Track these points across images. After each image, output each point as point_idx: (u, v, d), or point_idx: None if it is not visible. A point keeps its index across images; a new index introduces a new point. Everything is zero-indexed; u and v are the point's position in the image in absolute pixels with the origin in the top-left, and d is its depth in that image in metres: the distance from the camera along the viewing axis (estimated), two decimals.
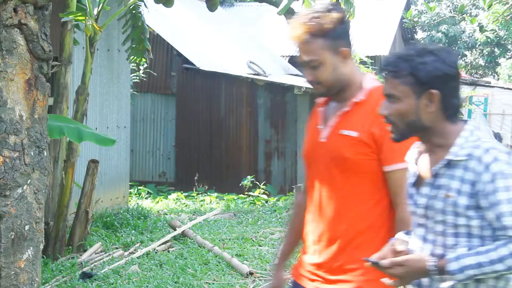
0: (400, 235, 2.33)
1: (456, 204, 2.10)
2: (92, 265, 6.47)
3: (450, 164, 2.14)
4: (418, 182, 2.25)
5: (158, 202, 11.62)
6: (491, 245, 2.03)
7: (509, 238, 2.01)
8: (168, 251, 7.25)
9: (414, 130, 2.19)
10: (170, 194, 12.47)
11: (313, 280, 2.65)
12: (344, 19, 2.58)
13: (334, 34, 2.54)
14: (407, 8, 21.78)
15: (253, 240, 7.97)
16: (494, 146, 2.10)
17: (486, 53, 32.27)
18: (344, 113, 2.61)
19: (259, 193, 11.52)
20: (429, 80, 2.12)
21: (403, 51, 2.19)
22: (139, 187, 12.50)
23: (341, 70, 2.59)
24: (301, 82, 12.82)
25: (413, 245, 2.22)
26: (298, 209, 2.86)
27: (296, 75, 15.81)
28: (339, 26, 2.56)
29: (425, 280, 2.15)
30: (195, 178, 12.94)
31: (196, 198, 11.82)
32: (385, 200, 2.58)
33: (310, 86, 2.66)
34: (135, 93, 13.03)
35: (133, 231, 8.32)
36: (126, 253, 7.02)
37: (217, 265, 6.61)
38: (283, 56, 18.94)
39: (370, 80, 2.66)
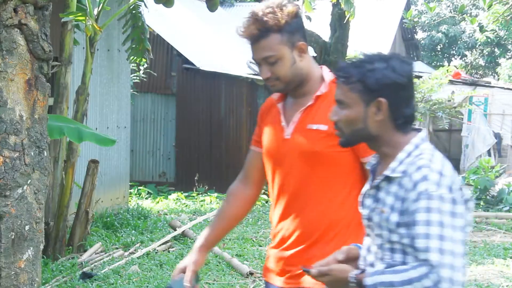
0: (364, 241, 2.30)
1: (389, 220, 2.06)
2: (92, 265, 6.47)
3: (389, 179, 2.10)
4: None
5: (158, 202, 11.62)
6: (408, 265, 1.98)
7: (421, 261, 1.95)
8: (169, 251, 7.25)
9: (360, 137, 2.15)
10: (170, 194, 12.47)
11: (281, 275, 2.64)
12: (299, 13, 2.55)
13: (290, 28, 2.52)
14: (407, 8, 21.78)
15: (253, 240, 7.97)
16: (427, 164, 2.03)
17: (486, 53, 32.26)
18: (307, 108, 2.58)
19: None
20: (377, 88, 2.07)
21: (356, 57, 2.16)
22: (139, 187, 12.50)
23: (299, 65, 2.56)
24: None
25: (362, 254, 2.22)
26: (231, 197, 2.81)
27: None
28: (294, 20, 2.53)
29: None
30: (195, 178, 12.94)
31: (196, 198, 11.83)
32: (355, 191, 2.56)
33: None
34: (135, 93, 13.03)
35: (133, 231, 8.32)
36: (126, 253, 7.02)
37: (217, 265, 6.61)
38: None
39: (328, 73, 2.64)
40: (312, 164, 2.55)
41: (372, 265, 2.12)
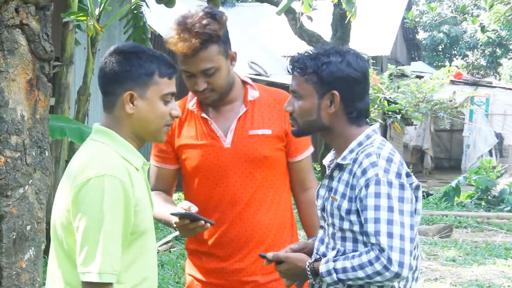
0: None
1: (340, 208, 2.09)
2: None
3: (341, 167, 2.14)
4: None
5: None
6: (360, 251, 2.02)
7: (371, 246, 1.99)
8: (170, 251, 7.26)
9: (313, 128, 2.18)
10: None
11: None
12: (226, 21, 2.51)
13: (225, 38, 2.49)
14: (409, 8, 21.79)
15: None
16: (376, 151, 2.07)
17: (488, 53, 32.26)
18: (243, 114, 2.55)
19: None
20: (331, 80, 2.10)
21: (313, 49, 2.18)
22: None
23: (232, 73, 2.54)
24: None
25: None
26: (162, 196, 2.65)
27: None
28: (225, 29, 2.49)
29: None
30: None
31: None
32: (290, 192, 2.65)
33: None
34: None
35: None
36: None
37: None
38: (284, 56, 18.95)
39: (244, 77, 2.62)
40: (260, 169, 2.53)
41: (324, 255, 2.14)
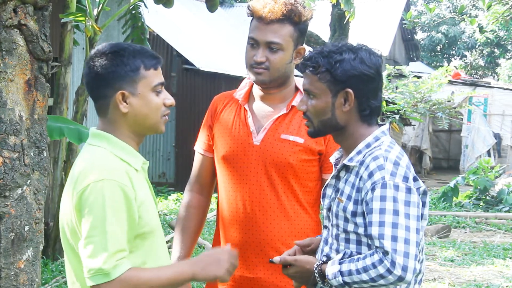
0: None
1: (346, 210, 2.07)
2: None
3: (348, 169, 2.12)
4: None
5: (158, 202, 11.63)
6: (365, 254, 2.01)
7: (375, 249, 1.98)
8: (168, 252, 7.24)
9: (328, 128, 2.15)
10: (170, 194, 12.47)
11: None
12: (311, 17, 2.53)
13: (303, 28, 2.49)
14: (407, 9, 21.81)
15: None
16: (384, 154, 2.04)
17: (486, 53, 32.27)
18: (281, 116, 2.51)
19: None
20: (345, 78, 2.08)
21: (325, 47, 2.15)
22: None
23: (291, 67, 2.51)
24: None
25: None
26: (193, 210, 2.69)
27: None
28: (307, 23, 2.51)
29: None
30: None
31: None
32: (317, 203, 2.53)
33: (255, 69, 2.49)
34: None
35: None
36: None
37: None
38: None
39: (300, 84, 2.57)
40: (283, 175, 2.47)
41: (327, 256, 2.13)
